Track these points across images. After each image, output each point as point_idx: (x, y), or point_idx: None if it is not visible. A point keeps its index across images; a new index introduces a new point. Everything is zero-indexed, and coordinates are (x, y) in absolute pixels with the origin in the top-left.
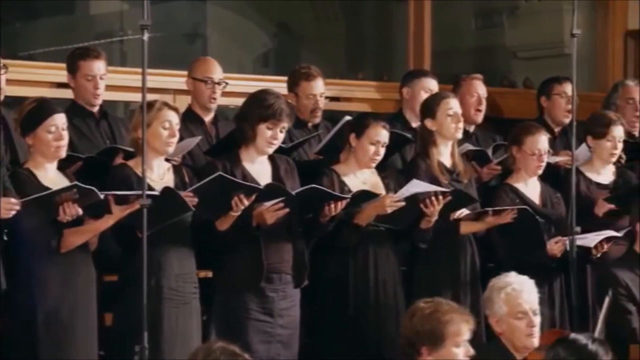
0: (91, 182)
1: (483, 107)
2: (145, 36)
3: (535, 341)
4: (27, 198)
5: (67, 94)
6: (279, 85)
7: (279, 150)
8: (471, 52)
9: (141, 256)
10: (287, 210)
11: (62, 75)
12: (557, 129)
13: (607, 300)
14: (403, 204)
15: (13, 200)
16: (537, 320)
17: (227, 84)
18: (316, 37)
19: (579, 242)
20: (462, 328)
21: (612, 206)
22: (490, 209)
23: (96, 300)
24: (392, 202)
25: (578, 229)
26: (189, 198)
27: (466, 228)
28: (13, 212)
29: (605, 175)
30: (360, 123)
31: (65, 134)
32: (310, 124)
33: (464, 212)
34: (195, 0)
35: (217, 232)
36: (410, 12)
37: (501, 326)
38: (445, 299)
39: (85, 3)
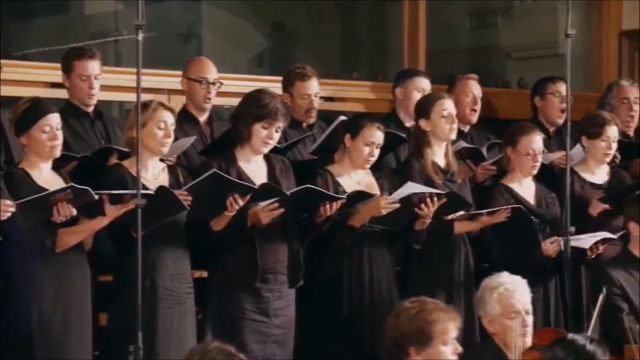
0: (86, 182)
1: (478, 107)
2: (140, 36)
3: (529, 341)
4: (22, 200)
5: (62, 94)
6: (273, 85)
7: (274, 150)
8: (466, 52)
9: (136, 256)
10: (282, 210)
11: (56, 75)
12: (551, 129)
13: (600, 299)
14: (398, 205)
15: (8, 202)
16: (530, 319)
17: (221, 84)
18: (311, 37)
19: (574, 243)
20: (449, 326)
21: (606, 206)
22: (484, 210)
23: (91, 300)
24: (387, 203)
25: (572, 229)
26: (183, 197)
27: (460, 228)
28: (8, 214)
29: (599, 175)
30: (355, 124)
31: (60, 134)
32: (304, 124)
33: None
34: (190, 0)
35: (212, 232)
36: (405, 12)
37: (494, 326)
38: (439, 299)
39: (80, 3)
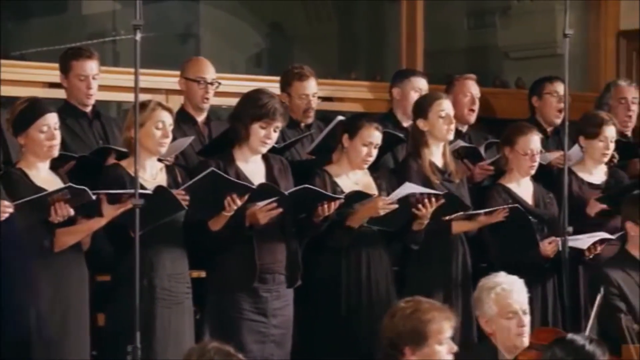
0: (84, 182)
1: (476, 107)
2: (138, 36)
3: (526, 341)
4: (20, 201)
5: (60, 94)
6: (271, 85)
7: (272, 150)
8: (463, 52)
9: (134, 256)
10: (280, 210)
11: (54, 75)
12: (549, 129)
13: (598, 299)
14: (396, 206)
15: (6, 203)
16: (527, 319)
17: (219, 84)
18: (309, 37)
19: (572, 244)
20: (444, 326)
21: (604, 206)
22: (482, 210)
23: (89, 300)
24: (385, 204)
25: (570, 229)
26: (181, 196)
27: (458, 227)
28: (6, 215)
29: (597, 175)
30: (353, 124)
31: (58, 134)
32: (302, 124)
33: None
34: (188, 0)
35: (210, 232)
36: (403, 12)
37: (491, 326)
38: (437, 299)
39: (78, 3)
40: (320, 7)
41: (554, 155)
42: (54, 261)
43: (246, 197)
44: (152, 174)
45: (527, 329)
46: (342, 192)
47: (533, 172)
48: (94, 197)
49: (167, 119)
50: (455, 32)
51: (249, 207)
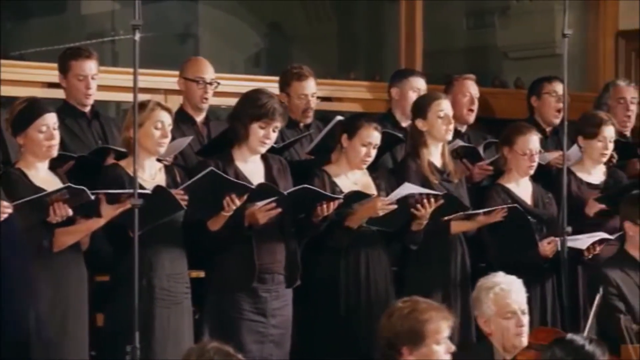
0: (83, 182)
1: (475, 107)
2: (137, 36)
3: (524, 341)
4: (19, 201)
5: (59, 94)
6: (270, 85)
7: (271, 150)
8: (463, 52)
9: (133, 256)
10: (279, 210)
11: (53, 75)
12: (548, 129)
13: (597, 299)
14: (395, 206)
15: (5, 203)
16: (525, 319)
17: (218, 84)
18: (308, 37)
19: (571, 244)
20: (442, 325)
21: (602, 206)
22: (481, 210)
23: (88, 300)
24: (384, 204)
25: (569, 229)
26: (180, 196)
27: (457, 227)
28: (5, 216)
29: (596, 175)
30: (352, 124)
31: (57, 134)
32: (301, 124)
33: None
34: (187, 0)
35: (209, 232)
36: (402, 12)
37: (490, 326)
38: (436, 299)
39: (77, 3)
40: (320, 7)
41: (553, 155)
42: (53, 261)
43: (245, 197)
44: (151, 174)
45: (525, 329)
46: (341, 192)
47: (532, 172)
48: (92, 197)
49: (166, 119)
50: (454, 32)
51: (248, 207)
